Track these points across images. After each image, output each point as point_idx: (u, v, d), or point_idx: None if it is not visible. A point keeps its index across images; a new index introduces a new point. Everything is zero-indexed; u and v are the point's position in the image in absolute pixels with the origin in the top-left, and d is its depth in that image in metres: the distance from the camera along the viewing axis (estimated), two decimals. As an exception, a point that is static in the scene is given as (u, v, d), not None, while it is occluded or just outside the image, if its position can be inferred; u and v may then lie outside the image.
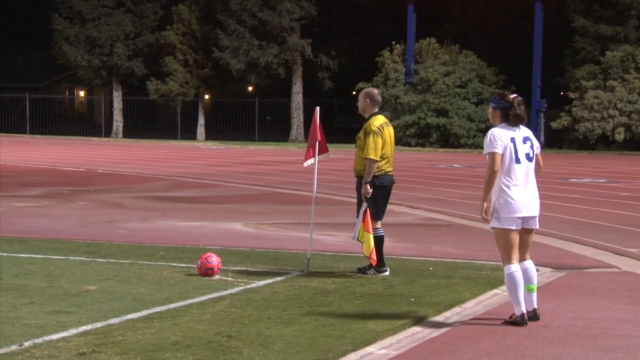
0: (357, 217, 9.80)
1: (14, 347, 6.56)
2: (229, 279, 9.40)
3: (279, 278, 9.56)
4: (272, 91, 51.45)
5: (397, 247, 11.80)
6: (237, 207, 16.84)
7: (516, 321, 7.59)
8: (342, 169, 24.49)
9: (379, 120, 9.87)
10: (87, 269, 9.93)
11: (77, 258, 10.62)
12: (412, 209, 16.55)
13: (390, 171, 9.89)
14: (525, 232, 7.75)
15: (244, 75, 46.98)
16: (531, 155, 7.71)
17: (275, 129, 48.29)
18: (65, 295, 8.46)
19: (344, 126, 47.80)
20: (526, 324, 7.59)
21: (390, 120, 11.15)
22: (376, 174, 9.72)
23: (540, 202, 7.86)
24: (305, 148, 10.51)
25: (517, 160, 7.59)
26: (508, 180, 7.58)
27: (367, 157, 9.65)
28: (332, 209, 16.26)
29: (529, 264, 7.82)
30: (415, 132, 41.01)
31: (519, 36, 46.56)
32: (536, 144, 7.83)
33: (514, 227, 7.61)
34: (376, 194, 9.73)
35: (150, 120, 51.80)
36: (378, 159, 9.67)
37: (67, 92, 65.05)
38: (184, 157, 33.39)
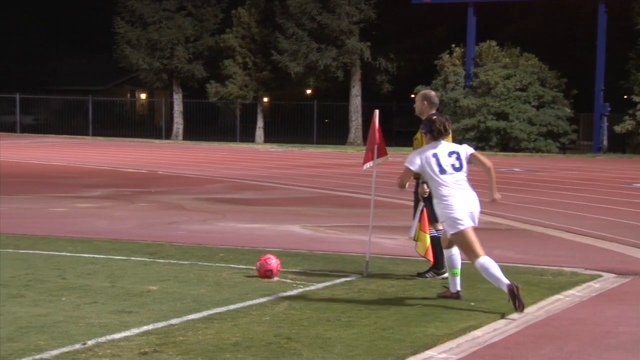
0: (414, 217, 9.81)
1: (77, 346, 6.65)
2: (288, 281, 9.43)
3: (338, 280, 9.58)
4: (331, 94, 51.49)
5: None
6: (296, 210, 16.88)
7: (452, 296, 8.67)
8: (401, 172, 24.41)
9: (436, 121, 9.86)
10: (148, 269, 10.05)
11: (138, 259, 10.75)
12: (472, 213, 16.40)
13: (447, 172, 9.85)
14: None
15: (303, 78, 47.09)
16: (458, 165, 8.54)
17: (333, 132, 48.32)
18: (127, 295, 8.57)
19: (403, 129, 47.65)
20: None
21: (449, 123, 11.07)
22: (433, 175, 9.71)
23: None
24: (364, 151, 10.51)
25: (443, 172, 8.50)
26: (441, 190, 8.48)
27: (424, 156, 9.65)
28: (390, 212, 16.22)
29: (456, 251, 8.69)
30: (475, 136, 40.69)
31: (581, 39, 46.00)
32: (465, 152, 8.62)
33: (468, 226, 8.37)
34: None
35: (210, 123, 52.21)
36: (435, 159, 9.66)
37: (128, 95, 65.91)
38: (243, 159, 33.59)
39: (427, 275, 9.79)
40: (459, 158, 8.59)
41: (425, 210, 9.61)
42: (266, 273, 9.56)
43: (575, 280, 9.76)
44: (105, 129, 50.77)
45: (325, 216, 16.00)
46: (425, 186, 9.64)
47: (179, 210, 16.55)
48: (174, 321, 7.50)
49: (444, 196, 8.44)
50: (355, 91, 47.66)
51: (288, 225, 14.43)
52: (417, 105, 10.00)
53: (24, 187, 20.58)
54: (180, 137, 50.89)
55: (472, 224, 8.40)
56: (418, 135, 9.86)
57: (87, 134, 50.80)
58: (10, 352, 6.44)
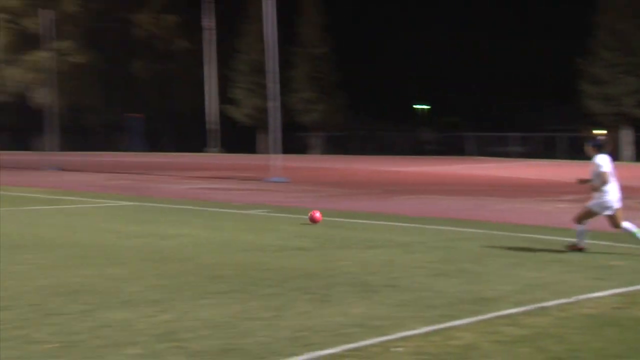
0: None
1: (565, 300, 7.01)
2: None
3: None
4: None
5: None
6: None
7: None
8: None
9: None
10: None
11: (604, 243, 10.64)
12: None
13: None
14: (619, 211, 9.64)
15: None
16: (613, 172, 9.67)
17: None
18: (597, 268, 8.76)
19: None
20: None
21: None
22: None
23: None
24: None
25: (612, 175, 9.67)
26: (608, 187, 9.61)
27: None
28: None
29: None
30: None
31: None
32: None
33: (607, 212, 9.66)
34: None
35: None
36: None
37: (588, 133, 64.38)
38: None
39: None
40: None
41: None
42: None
43: None
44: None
45: None
46: None
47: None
48: (635, 288, 7.66)
49: (608, 190, 9.63)
50: None
51: None
52: None
53: (509, 193, 20.74)
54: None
55: (612, 212, 9.65)
56: None
57: (552, 157, 50.13)
58: (520, 301, 6.96)
